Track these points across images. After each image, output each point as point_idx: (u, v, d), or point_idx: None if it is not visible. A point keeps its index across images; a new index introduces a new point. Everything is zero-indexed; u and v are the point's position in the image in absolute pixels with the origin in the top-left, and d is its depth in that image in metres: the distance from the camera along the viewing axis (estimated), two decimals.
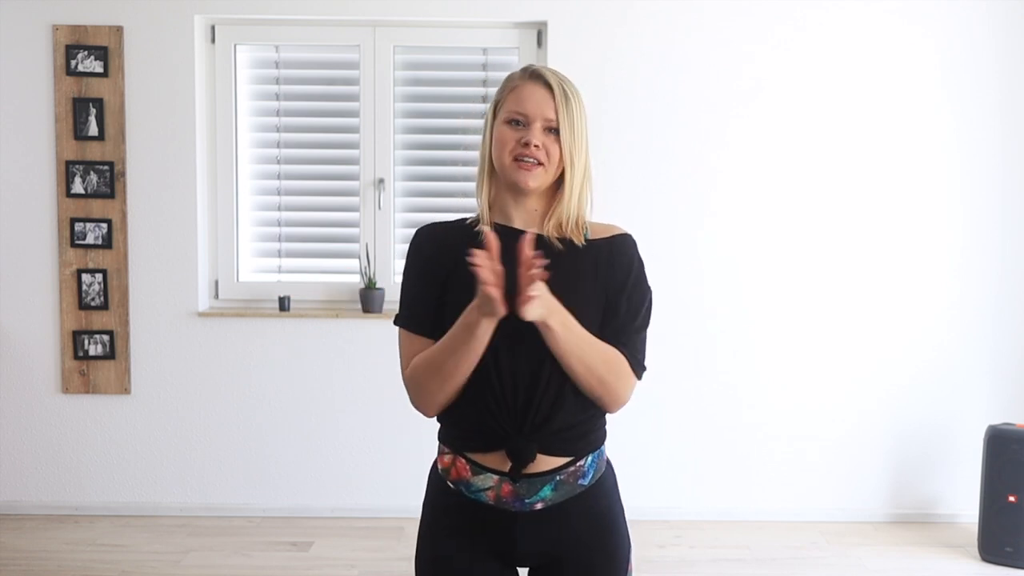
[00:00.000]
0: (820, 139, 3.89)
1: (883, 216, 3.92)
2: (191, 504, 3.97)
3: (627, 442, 3.87)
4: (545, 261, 1.50)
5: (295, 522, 3.90)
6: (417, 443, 3.70)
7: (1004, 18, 3.86)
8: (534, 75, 1.68)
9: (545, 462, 1.64)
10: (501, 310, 1.52)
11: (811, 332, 3.95)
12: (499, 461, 1.64)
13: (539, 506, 1.65)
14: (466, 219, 1.76)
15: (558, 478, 1.64)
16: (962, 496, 3.95)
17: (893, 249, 3.93)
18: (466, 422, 1.66)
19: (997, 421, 3.80)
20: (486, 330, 1.56)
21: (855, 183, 3.90)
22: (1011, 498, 3.52)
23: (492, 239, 1.53)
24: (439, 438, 1.74)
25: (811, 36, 3.86)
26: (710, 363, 3.94)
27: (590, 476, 1.69)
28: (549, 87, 1.66)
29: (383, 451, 3.95)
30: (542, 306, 1.52)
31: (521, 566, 1.73)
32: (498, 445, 1.63)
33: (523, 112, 1.65)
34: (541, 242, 1.67)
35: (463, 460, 1.67)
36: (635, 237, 1.74)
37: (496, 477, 1.64)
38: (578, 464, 1.67)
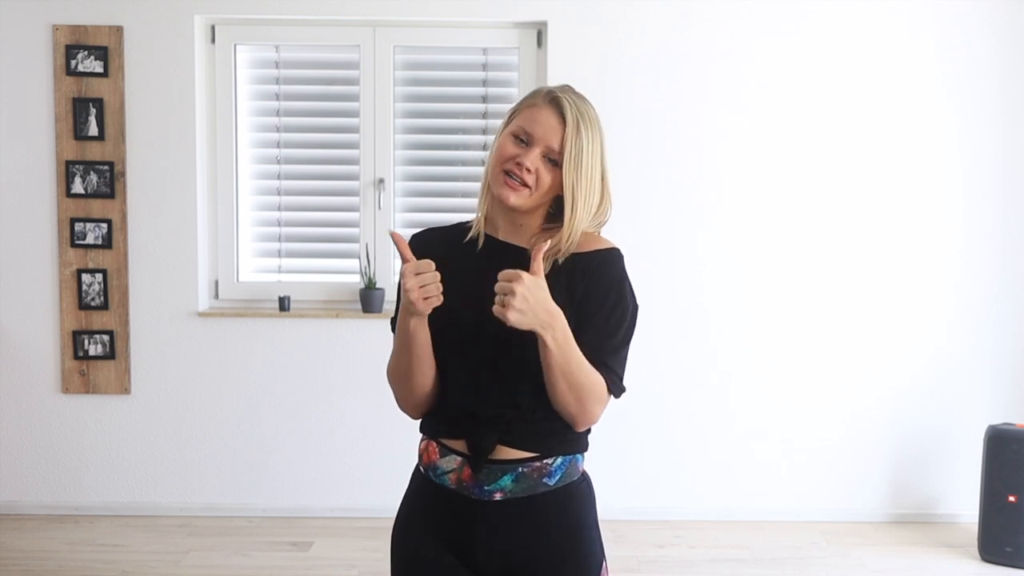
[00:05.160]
0: (821, 140, 3.89)
1: (884, 217, 3.92)
2: (191, 504, 3.97)
3: (628, 442, 3.88)
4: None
5: (295, 522, 3.90)
6: (417, 443, 3.69)
7: (1005, 16, 3.86)
8: (554, 100, 1.64)
9: (509, 452, 1.64)
10: (421, 308, 1.57)
11: (811, 332, 3.95)
12: (464, 445, 1.66)
13: (498, 496, 1.64)
14: (465, 223, 1.77)
15: (520, 470, 1.63)
16: (962, 496, 3.95)
17: (893, 250, 3.93)
18: (437, 409, 1.72)
19: (997, 421, 3.80)
20: (416, 328, 1.62)
21: (855, 184, 3.90)
22: (1011, 498, 3.52)
23: (397, 239, 1.61)
24: (419, 427, 1.79)
25: (812, 37, 3.86)
26: (710, 363, 3.94)
27: (556, 478, 1.66)
28: (563, 118, 1.63)
29: (383, 451, 3.95)
30: (521, 314, 1.51)
31: (484, 573, 1.67)
32: (462, 433, 1.66)
33: (529, 132, 1.63)
34: (520, 257, 1.64)
35: (434, 444, 1.71)
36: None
37: (459, 459, 1.66)
38: (545, 461, 1.65)
